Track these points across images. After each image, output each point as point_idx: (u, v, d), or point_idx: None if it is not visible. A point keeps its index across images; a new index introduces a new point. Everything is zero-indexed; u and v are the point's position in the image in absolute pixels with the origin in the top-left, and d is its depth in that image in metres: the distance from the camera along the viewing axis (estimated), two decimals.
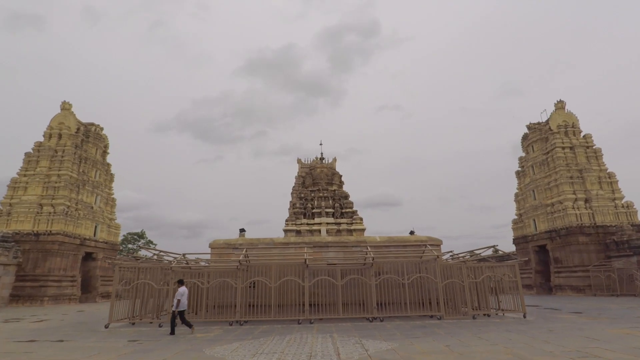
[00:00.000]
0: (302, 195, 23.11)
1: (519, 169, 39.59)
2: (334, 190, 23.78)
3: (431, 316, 13.90)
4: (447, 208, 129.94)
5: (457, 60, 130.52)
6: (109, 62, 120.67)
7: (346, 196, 23.58)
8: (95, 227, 33.90)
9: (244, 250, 14.47)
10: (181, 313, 11.26)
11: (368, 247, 14.61)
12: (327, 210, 22.76)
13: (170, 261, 14.27)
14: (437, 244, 15.67)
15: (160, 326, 12.99)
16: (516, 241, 37.81)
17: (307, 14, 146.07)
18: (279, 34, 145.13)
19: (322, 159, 26.80)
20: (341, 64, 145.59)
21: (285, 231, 22.32)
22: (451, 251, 14.99)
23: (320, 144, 26.41)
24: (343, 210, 22.98)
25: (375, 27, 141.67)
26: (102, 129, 38.50)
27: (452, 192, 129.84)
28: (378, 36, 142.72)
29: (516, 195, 39.25)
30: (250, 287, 14.18)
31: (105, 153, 38.05)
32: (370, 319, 13.24)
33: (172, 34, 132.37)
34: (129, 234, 62.09)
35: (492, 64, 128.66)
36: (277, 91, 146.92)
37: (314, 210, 22.81)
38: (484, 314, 14.22)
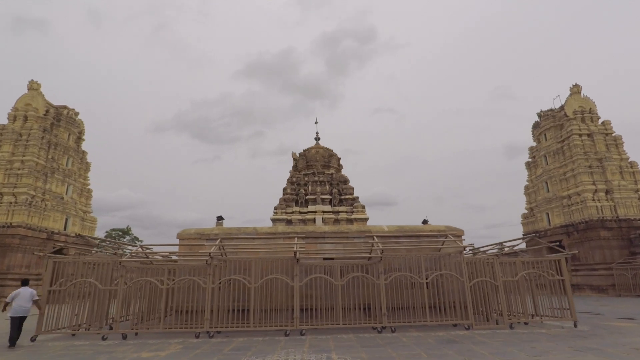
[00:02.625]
0: (294, 179, 19.70)
1: (529, 159, 36.84)
2: (331, 174, 20.44)
3: (455, 325, 10.97)
4: (441, 207, 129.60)
5: (450, 65, 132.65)
6: (111, 64, 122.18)
7: (345, 180, 20.21)
8: (66, 219, 30.62)
9: (219, 241, 11.46)
10: (20, 320, 9.03)
11: (375, 238, 11.64)
12: (324, 196, 19.44)
13: (121, 254, 11.23)
14: (458, 234, 12.76)
15: (103, 338, 9.93)
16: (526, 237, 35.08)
17: (306, 20, 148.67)
18: (278, 39, 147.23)
19: (317, 139, 23.38)
20: (338, 68, 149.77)
21: (274, 221, 19.10)
22: (471, 244, 12.08)
23: (316, 123, 22.92)
24: (342, 197, 19.66)
25: (371, 34, 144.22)
26: (77, 113, 35.15)
27: (446, 191, 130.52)
28: (374, 42, 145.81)
29: (526, 187, 36.49)
30: (227, 287, 11.16)
31: (80, 139, 34.72)
32: (379, 329, 10.27)
33: (174, 37, 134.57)
34: (113, 230, 58.70)
35: (485, 68, 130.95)
36: (275, 93, 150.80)
37: (307, 197, 19.41)
38: (519, 322, 11.32)
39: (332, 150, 21.69)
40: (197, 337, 9.96)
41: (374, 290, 11.06)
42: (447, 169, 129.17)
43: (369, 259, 11.66)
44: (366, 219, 19.44)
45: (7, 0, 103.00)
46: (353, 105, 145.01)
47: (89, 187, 34.84)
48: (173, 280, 10.68)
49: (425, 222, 16.38)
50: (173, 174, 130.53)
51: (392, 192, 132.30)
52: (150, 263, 11.98)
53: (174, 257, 13.78)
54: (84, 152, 34.83)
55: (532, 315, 11.76)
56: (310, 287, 11.21)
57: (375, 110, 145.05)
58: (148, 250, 12.25)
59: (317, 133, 23.24)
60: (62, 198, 30.42)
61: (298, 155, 20.87)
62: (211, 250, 10.56)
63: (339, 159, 22.36)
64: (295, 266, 10.75)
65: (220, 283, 10.87)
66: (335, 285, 10.77)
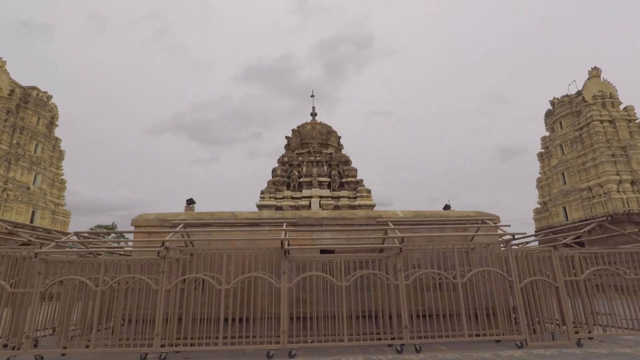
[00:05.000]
0: (286, 159, 16.66)
1: (542, 150, 34.25)
2: (330, 154, 17.42)
3: (498, 341, 8.15)
4: (437, 208, 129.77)
5: (445, 69, 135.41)
6: (112, 66, 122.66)
7: (347, 161, 17.16)
8: (33, 212, 27.50)
9: (180, 227, 8.57)
10: None
11: (390, 224, 8.81)
12: (321, 179, 16.41)
13: (40, 244, 8.29)
14: (495, 221, 9.98)
15: None
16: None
17: (305, 26, 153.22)
18: (277, 44, 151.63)
19: (314, 114, 20.22)
20: (335, 73, 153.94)
21: (260, 207, 16.13)
22: (523, 233, 9.20)
23: (312, 96, 19.79)
24: (343, 180, 16.62)
25: (369, 40, 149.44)
26: (50, 96, 31.99)
27: (441, 192, 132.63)
28: (371, 47, 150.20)
29: (539, 180, 33.88)
30: (192, 288, 8.27)
31: (52, 125, 31.57)
32: (399, 347, 7.41)
33: (175, 41, 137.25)
34: (97, 226, 55.51)
35: (478, 73, 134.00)
36: (273, 96, 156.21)
37: (301, 179, 16.30)
38: (578, 333, 8.52)
39: (330, 127, 18.57)
40: (144, 359, 7.07)
41: (388, 293, 8.24)
42: (442, 170, 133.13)
43: (381, 252, 8.83)
44: (372, 206, 16.38)
45: (14, 6, 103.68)
46: (349, 108, 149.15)
47: (62, 177, 31.72)
48: (113, 279, 7.74)
49: (447, 207, 13.67)
50: (171, 175, 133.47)
51: (388, 193, 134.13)
52: (92, 256, 9.07)
53: (132, 249, 10.87)
54: (57, 139, 31.69)
55: (586, 325, 8.99)
56: (304, 289, 8.36)
57: (371, 113, 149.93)
58: (88, 239, 9.33)
59: (313, 108, 19.77)
60: (29, 188, 27.29)
61: (291, 132, 17.80)
62: (166, 239, 7.65)
63: (339, 137, 19.19)
64: (283, 261, 7.87)
65: (185, 282, 8.02)
66: (337, 286, 7.91)
